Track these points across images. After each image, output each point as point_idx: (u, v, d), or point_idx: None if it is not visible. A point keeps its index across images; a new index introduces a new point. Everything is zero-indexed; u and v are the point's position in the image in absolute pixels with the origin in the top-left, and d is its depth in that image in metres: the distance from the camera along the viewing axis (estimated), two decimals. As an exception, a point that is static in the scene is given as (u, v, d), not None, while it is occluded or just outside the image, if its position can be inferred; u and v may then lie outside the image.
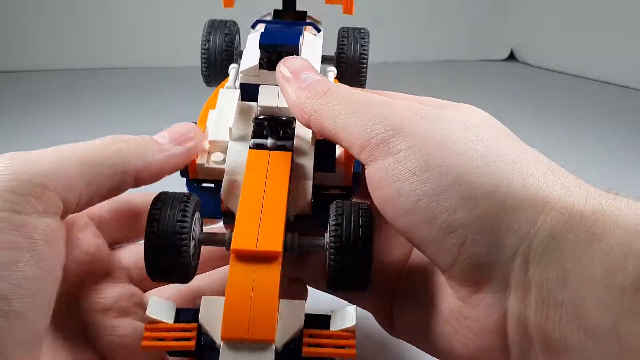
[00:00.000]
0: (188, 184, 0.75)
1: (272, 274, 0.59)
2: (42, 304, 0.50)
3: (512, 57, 2.72)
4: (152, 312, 0.60)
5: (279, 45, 0.76)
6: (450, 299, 0.60)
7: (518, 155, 0.58)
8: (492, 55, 2.72)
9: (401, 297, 0.71)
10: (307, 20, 0.91)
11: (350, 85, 0.73)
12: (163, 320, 0.60)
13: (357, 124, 0.60)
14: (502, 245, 0.53)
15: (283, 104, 0.73)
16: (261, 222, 0.62)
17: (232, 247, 0.60)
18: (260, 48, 0.77)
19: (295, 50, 0.76)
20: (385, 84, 2.56)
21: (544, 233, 0.52)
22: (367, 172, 0.60)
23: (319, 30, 0.91)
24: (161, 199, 0.63)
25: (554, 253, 0.51)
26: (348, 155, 0.72)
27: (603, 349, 0.47)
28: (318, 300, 0.81)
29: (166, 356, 0.66)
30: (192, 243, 0.63)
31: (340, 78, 0.90)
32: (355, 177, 0.75)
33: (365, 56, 0.91)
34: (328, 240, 0.63)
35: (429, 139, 0.57)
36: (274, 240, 0.61)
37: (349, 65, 0.90)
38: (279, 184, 0.67)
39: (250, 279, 0.59)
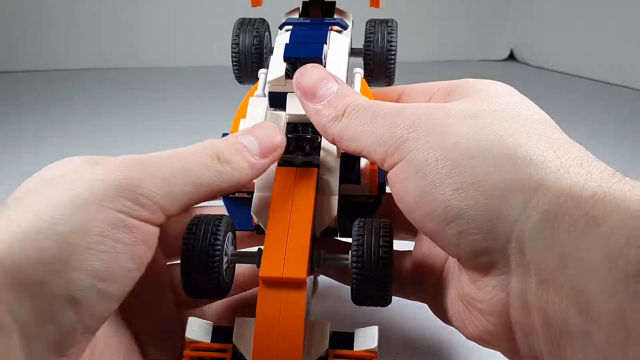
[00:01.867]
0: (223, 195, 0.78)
1: (298, 299, 0.63)
2: (121, 293, 0.57)
3: (512, 57, 2.72)
4: (190, 332, 0.64)
5: (302, 58, 0.77)
6: (464, 282, 0.62)
7: (519, 137, 0.58)
8: (492, 55, 2.72)
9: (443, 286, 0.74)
10: (335, 17, 0.92)
11: (379, 82, 0.84)
12: (201, 340, 0.64)
13: (374, 141, 0.63)
14: (495, 230, 0.55)
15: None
16: (287, 246, 0.65)
17: (260, 274, 0.63)
18: (284, 61, 0.78)
19: (318, 62, 0.77)
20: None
21: (536, 217, 0.53)
22: (388, 178, 0.64)
23: (345, 28, 0.91)
24: (194, 222, 0.67)
25: (549, 237, 0.52)
26: (373, 166, 0.75)
27: (608, 334, 0.48)
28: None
29: None
30: (225, 261, 0.67)
31: (368, 75, 0.91)
32: (380, 187, 0.77)
33: (393, 52, 0.92)
34: (350, 259, 0.65)
35: (432, 136, 0.60)
36: (299, 266, 0.64)
37: (377, 61, 0.91)
38: (306, 204, 0.69)
39: (278, 304, 0.63)
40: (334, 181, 0.73)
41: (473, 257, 0.57)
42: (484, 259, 0.57)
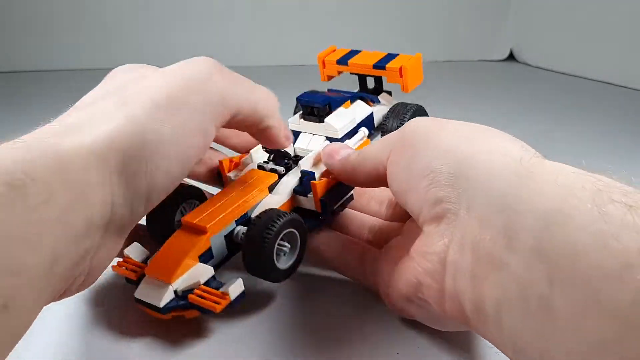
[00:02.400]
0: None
1: (195, 240, 0.87)
2: (180, 174, 0.73)
3: (511, 57, 2.72)
4: (128, 251, 0.91)
5: (309, 101, 1.10)
6: (413, 239, 0.73)
7: (487, 135, 0.73)
8: (492, 56, 2.72)
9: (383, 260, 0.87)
10: (363, 93, 1.22)
11: None
12: (133, 258, 0.90)
13: (367, 163, 0.87)
14: (458, 185, 0.66)
15: (310, 147, 1.08)
16: (213, 209, 0.91)
17: (182, 219, 0.90)
18: (297, 101, 1.13)
19: (322, 108, 1.09)
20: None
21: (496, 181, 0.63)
22: (387, 172, 0.80)
23: (374, 102, 1.20)
24: None
25: (494, 188, 0.63)
26: (321, 183, 0.97)
27: (526, 263, 0.56)
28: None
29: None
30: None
31: None
32: (323, 206, 0.97)
33: None
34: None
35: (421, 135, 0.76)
36: (210, 221, 0.88)
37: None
38: (247, 191, 0.95)
39: (182, 240, 0.88)
40: (285, 189, 0.99)
41: (432, 205, 0.68)
42: (439, 208, 0.67)
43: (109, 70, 0.81)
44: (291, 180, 1.00)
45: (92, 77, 0.86)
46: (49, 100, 2.05)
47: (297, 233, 0.91)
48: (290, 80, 2.42)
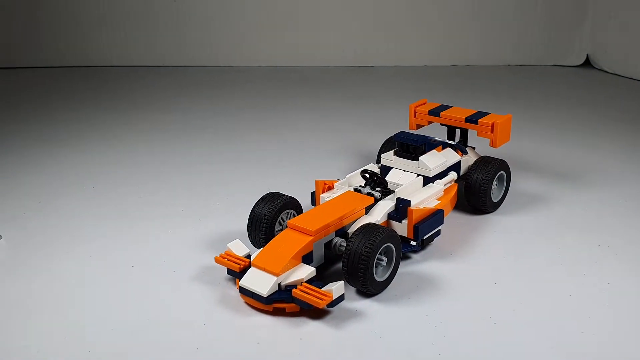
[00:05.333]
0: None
1: (302, 240, 0.98)
2: None
3: (587, 63, 2.70)
4: (231, 245, 1.03)
5: (405, 140, 1.23)
6: None
7: None
8: (567, 61, 2.71)
9: None
10: (459, 144, 1.36)
11: (474, 200, 1.28)
12: (234, 252, 1.02)
13: None
14: None
15: (401, 182, 1.20)
16: (317, 215, 1.04)
17: (289, 221, 1.02)
18: (394, 140, 1.27)
19: (419, 147, 1.22)
20: (455, 87, 2.60)
21: None
22: None
23: (463, 152, 1.34)
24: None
25: None
26: (418, 213, 1.09)
27: None
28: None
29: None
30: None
31: (468, 192, 1.29)
32: (415, 232, 1.08)
33: (485, 185, 1.25)
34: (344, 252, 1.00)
35: None
36: (316, 226, 1.00)
37: (472, 186, 1.27)
38: (348, 207, 1.07)
39: (290, 237, 0.99)
40: (381, 212, 1.09)
41: None
42: None
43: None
44: (387, 205, 1.11)
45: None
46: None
47: (393, 248, 0.99)
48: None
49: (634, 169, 1.56)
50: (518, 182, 1.45)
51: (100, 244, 1.19)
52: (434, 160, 1.23)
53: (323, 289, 0.93)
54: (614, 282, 1.06)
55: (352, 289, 1.01)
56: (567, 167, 1.58)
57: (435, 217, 1.11)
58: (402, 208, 1.09)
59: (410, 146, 1.23)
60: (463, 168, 1.31)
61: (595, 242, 1.19)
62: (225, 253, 1.03)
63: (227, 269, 1.01)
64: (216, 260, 1.02)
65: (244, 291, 0.95)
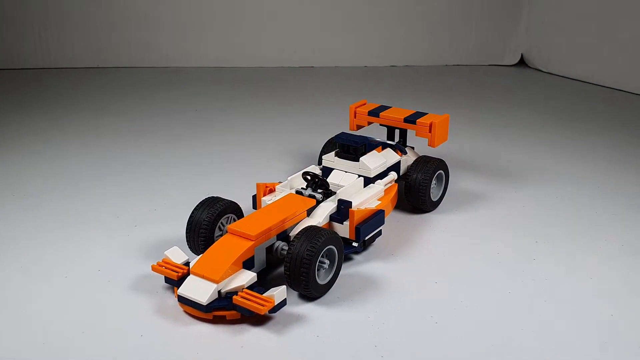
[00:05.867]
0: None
1: (241, 246, 0.96)
2: None
3: (522, 62, 2.77)
4: (169, 253, 1.00)
5: (346, 141, 1.24)
6: None
7: None
8: (503, 60, 2.77)
9: None
10: (398, 144, 1.37)
11: (414, 200, 1.29)
12: (172, 260, 0.99)
13: None
14: None
15: (343, 183, 1.20)
16: (256, 221, 1.01)
17: (229, 226, 1.00)
18: (335, 141, 1.27)
19: (359, 147, 1.23)
20: (394, 87, 2.62)
21: None
22: None
23: (402, 152, 1.34)
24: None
25: None
26: (359, 213, 1.08)
27: None
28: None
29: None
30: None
31: (408, 191, 1.29)
32: (357, 233, 1.08)
33: (424, 184, 1.26)
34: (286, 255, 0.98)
35: None
36: (255, 230, 0.98)
37: (412, 185, 1.28)
38: (290, 210, 1.05)
39: (228, 244, 0.97)
40: (322, 214, 1.08)
41: None
42: None
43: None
44: (329, 206, 1.11)
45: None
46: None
47: (335, 250, 0.98)
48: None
49: (568, 166, 1.60)
50: (456, 181, 1.47)
51: (31, 253, 1.14)
52: (375, 161, 1.23)
53: (264, 294, 0.91)
54: (552, 278, 1.08)
55: (294, 293, 1.00)
56: (504, 165, 1.60)
57: (376, 218, 1.11)
58: (343, 209, 1.09)
59: (350, 147, 1.23)
60: (403, 168, 1.33)
61: (532, 239, 1.22)
62: (162, 261, 1.00)
63: (165, 277, 0.98)
64: (153, 268, 0.99)
65: (182, 300, 0.92)
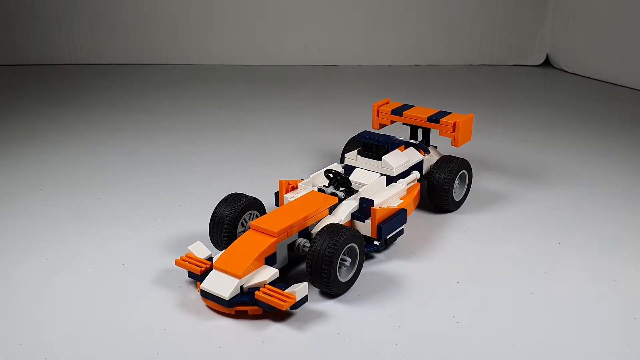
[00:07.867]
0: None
1: (264, 242, 0.97)
2: None
3: (547, 63, 2.74)
4: (192, 248, 1.01)
5: (369, 140, 1.23)
6: None
7: None
8: (528, 61, 2.75)
9: None
10: (421, 143, 1.36)
11: (436, 200, 1.29)
12: (196, 254, 1.00)
13: None
14: None
15: (365, 181, 1.20)
16: (280, 218, 1.02)
17: (251, 223, 1.00)
18: (358, 140, 1.27)
19: (382, 146, 1.22)
20: (418, 86, 2.61)
21: None
22: None
23: (425, 151, 1.34)
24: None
25: None
26: (381, 212, 1.08)
27: None
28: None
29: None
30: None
31: (430, 191, 1.29)
32: (379, 232, 1.07)
33: (447, 184, 1.26)
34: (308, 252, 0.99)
35: None
36: (279, 227, 0.98)
37: (434, 185, 1.28)
38: (312, 207, 1.06)
39: (253, 238, 0.98)
40: (344, 212, 1.09)
41: None
42: None
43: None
44: (351, 204, 1.11)
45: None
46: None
47: (357, 248, 0.98)
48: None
49: (592, 168, 1.59)
50: (479, 181, 1.46)
51: (57, 248, 1.16)
52: (397, 160, 1.23)
53: (286, 290, 0.92)
54: (575, 279, 1.07)
55: (316, 290, 1.01)
56: (527, 165, 1.59)
57: (398, 217, 1.11)
58: (365, 208, 1.09)
59: (373, 146, 1.23)
60: (425, 167, 1.32)
61: (555, 240, 1.21)
62: (186, 255, 1.01)
63: (188, 271, 0.99)
64: (177, 263, 1.00)
65: (205, 294, 0.93)
